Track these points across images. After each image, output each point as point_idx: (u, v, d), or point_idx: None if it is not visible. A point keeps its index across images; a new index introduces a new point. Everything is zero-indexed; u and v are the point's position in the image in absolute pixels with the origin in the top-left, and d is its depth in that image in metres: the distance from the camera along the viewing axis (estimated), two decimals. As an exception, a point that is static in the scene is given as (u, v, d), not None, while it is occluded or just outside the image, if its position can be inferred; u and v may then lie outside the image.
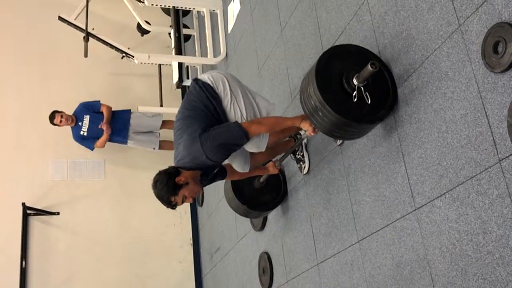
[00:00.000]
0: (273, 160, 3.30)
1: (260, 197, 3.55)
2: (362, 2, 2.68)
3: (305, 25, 3.37)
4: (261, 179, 3.46)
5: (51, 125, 5.68)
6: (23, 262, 5.43)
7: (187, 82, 5.55)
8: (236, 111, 2.77)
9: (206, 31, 5.50)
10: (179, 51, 5.55)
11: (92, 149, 5.72)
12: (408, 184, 2.31)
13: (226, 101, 2.77)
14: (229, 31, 5.15)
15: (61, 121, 5.54)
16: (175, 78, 5.41)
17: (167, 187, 2.61)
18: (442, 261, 2.10)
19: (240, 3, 4.82)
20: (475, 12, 1.92)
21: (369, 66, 2.23)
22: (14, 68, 6.25)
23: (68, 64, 6.37)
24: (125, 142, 5.74)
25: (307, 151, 3.32)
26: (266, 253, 3.95)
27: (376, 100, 2.37)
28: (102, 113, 5.62)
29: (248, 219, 4.25)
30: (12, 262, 5.41)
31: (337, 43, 2.93)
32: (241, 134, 2.63)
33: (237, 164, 3.02)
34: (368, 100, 2.33)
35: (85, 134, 5.60)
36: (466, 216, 1.96)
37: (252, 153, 3.07)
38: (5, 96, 6.12)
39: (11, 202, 5.62)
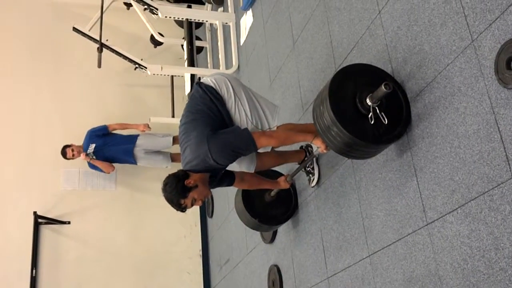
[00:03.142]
0: (285, 174, 3.30)
1: (271, 211, 3.54)
2: (375, 17, 2.69)
3: (318, 38, 3.39)
4: (272, 193, 3.45)
5: (63, 135, 5.84)
6: (34, 271, 5.46)
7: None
8: (240, 113, 2.78)
9: (219, 43, 5.54)
10: (191, 63, 5.59)
11: (108, 172, 5.85)
12: (420, 199, 2.30)
13: (230, 103, 2.78)
14: (241, 43, 5.18)
15: (73, 155, 5.68)
16: (187, 89, 5.46)
17: (177, 190, 2.62)
18: (453, 277, 2.08)
19: (253, 16, 4.86)
20: (488, 28, 1.93)
21: (383, 87, 2.22)
22: (27, 79, 6.32)
23: (81, 74, 6.44)
24: (134, 162, 5.81)
25: (317, 163, 3.32)
26: (276, 265, 3.94)
27: (391, 118, 2.35)
28: (112, 134, 5.77)
29: (258, 232, 4.25)
30: (23, 270, 5.45)
31: (350, 57, 2.94)
32: (250, 143, 2.64)
33: (243, 164, 3.00)
34: (384, 121, 2.32)
35: (95, 158, 5.72)
36: (478, 232, 1.95)
37: (258, 154, 3.04)
38: (18, 107, 6.19)
39: (23, 211, 5.67)
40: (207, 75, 5.81)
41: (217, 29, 5.62)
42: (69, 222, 5.84)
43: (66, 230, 5.84)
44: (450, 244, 2.10)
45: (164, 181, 2.69)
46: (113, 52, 5.39)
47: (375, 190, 2.67)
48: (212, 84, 2.81)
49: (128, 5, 5.75)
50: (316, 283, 3.29)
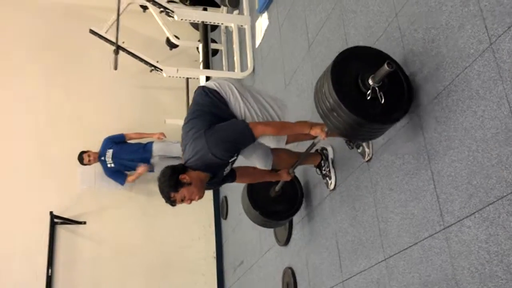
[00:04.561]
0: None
1: (275, 205, 3.54)
2: (392, 19, 2.68)
3: (333, 41, 3.39)
4: (277, 188, 3.44)
5: (79, 135, 5.98)
6: (49, 270, 5.52)
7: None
8: (251, 113, 2.79)
9: (234, 46, 5.56)
10: (207, 65, 5.61)
11: (122, 184, 5.93)
12: (437, 203, 2.29)
13: (238, 105, 2.78)
14: (256, 46, 5.20)
15: (89, 160, 5.84)
16: (202, 91, 5.47)
17: (169, 182, 2.61)
18: (471, 282, 2.06)
19: (268, 18, 4.86)
20: (507, 31, 1.91)
21: (385, 65, 2.22)
22: (44, 79, 6.40)
23: (97, 76, 6.50)
24: (152, 171, 5.90)
25: (333, 166, 3.31)
26: (290, 268, 3.93)
27: (390, 101, 2.35)
28: (127, 143, 5.92)
29: (273, 234, 4.25)
30: (39, 269, 5.51)
31: (366, 59, 2.93)
32: (246, 132, 2.61)
33: (259, 161, 2.99)
34: (381, 100, 2.32)
35: (112, 165, 5.84)
36: (496, 237, 1.93)
37: (275, 151, 3.04)
38: (35, 107, 6.27)
39: (39, 211, 5.72)
40: (221, 77, 5.89)
41: (232, 31, 5.64)
42: (85, 222, 5.90)
43: (82, 230, 5.90)
44: (467, 248, 2.09)
45: (162, 170, 2.69)
46: (129, 54, 5.44)
47: (391, 193, 2.66)
48: (215, 88, 2.82)
49: (144, 8, 5.79)
50: (331, 287, 3.28)
